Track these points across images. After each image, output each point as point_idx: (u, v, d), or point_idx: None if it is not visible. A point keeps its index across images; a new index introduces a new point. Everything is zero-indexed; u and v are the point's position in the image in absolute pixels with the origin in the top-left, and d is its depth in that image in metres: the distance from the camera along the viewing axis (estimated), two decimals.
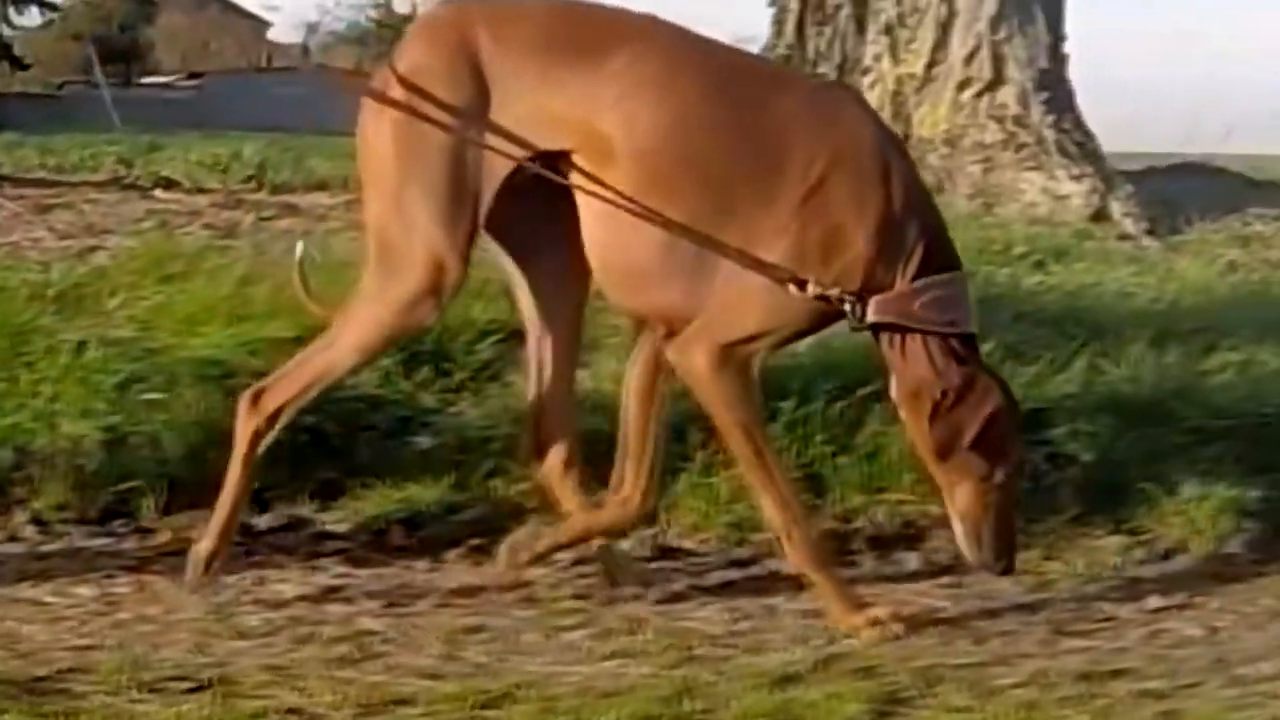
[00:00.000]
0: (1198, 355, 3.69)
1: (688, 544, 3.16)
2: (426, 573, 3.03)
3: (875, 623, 2.69)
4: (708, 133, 2.66)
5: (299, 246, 3.05)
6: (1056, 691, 2.44)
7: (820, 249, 2.62)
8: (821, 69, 5.67)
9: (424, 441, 3.42)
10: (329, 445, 3.35)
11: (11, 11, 25.26)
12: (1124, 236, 5.25)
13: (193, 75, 25.82)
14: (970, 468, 2.69)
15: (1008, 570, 2.78)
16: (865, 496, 3.20)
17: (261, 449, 2.81)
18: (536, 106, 2.67)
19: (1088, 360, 3.57)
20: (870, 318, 2.64)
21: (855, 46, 5.74)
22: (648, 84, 2.66)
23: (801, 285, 2.60)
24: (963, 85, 5.61)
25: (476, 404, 3.58)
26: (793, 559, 2.75)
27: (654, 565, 3.05)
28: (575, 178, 2.68)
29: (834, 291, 2.61)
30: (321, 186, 6.50)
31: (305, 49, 28.92)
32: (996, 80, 5.60)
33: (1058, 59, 5.80)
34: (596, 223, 2.70)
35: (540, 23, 2.78)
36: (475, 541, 3.13)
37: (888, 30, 5.72)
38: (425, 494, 3.25)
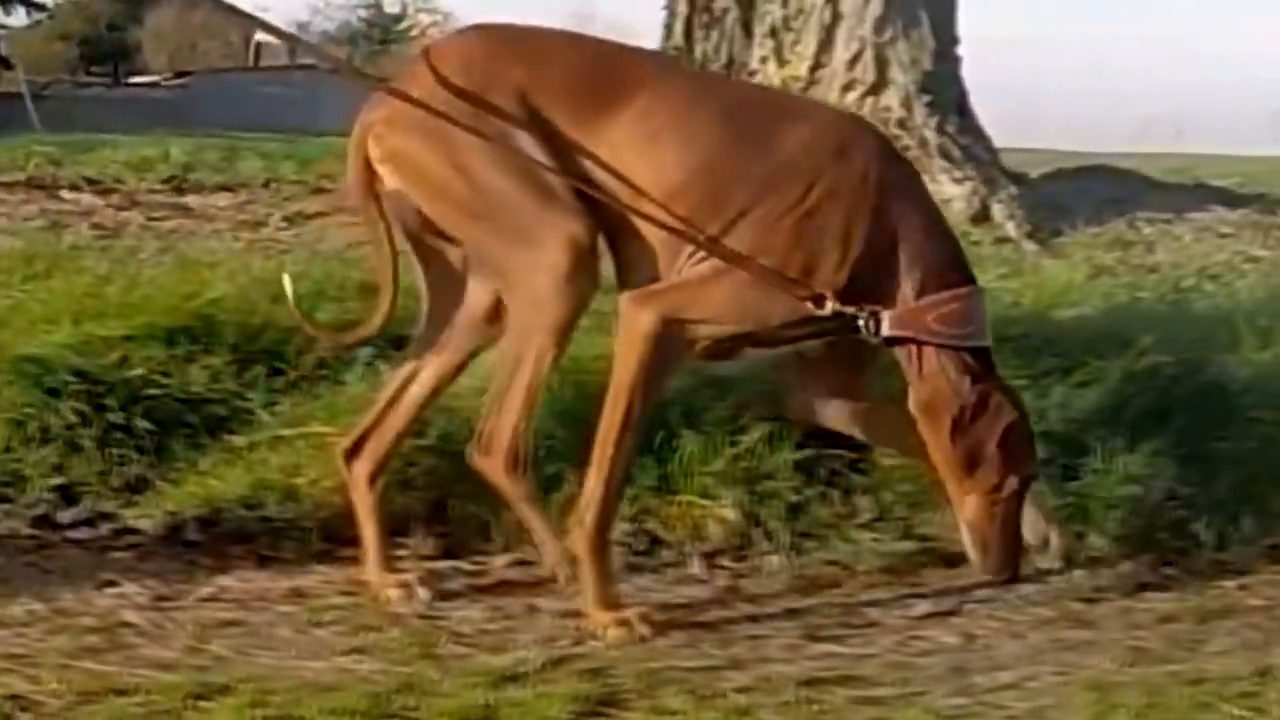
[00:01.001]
0: (1016, 361, 3.67)
1: (476, 542, 3.18)
2: (209, 568, 3.05)
3: (623, 623, 2.70)
4: (726, 164, 2.75)
5: (286, 281, 3.06)
6: (777, 696, 2.44)
7: (800, 270, 2.70)
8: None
9: (239, 440, 3.45)
10: (140, 442, 3.40)
11: None
12: (1003, 240, 5.24)
13: (179, 74, 26.04)
14: (982, 480, 2.76)
15: (1012, 578, 2.84)
16: (657, 498, 3.21)
17: (529, 481, 2.81)
18: (567, 146, 2.73)
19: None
20: (885, 332, 2.72)
21: (742, 49, 5.74)
22: (671, 124, 2.76)
23: (819, 302, 2.68)
24: (847, 88, 5.59)
25: (301, 403, 3.60)
26: (576, 538, 2.77)
27: (438, 564, 3.08)
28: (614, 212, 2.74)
29: (850, 309, 2.69)
30: (244, 185, 6.54)
31: (293, 48, 29.03)
32: (880, 83, 5.59)
33: (946, 61, 5.78)
34: (631, 255, 2.78)
35: (569, 61, 2.87)
36: (266, 539, 3.18)
37: (773, 33, 5.71)
38: (227, 490, 3.29)
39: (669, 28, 5.80)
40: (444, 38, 3.07)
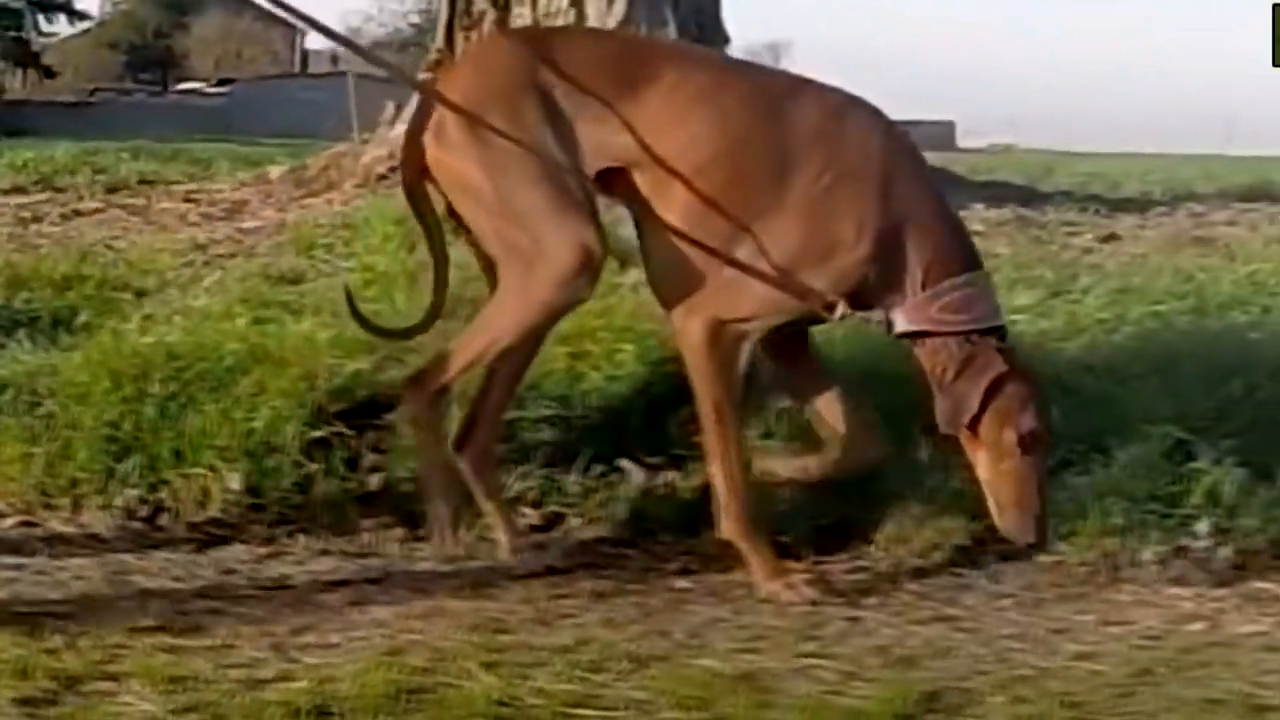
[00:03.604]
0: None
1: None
2: None
3: (790, 587, 2.97)
4: (746, 148, 2.99)
5: (344, 288, 3.40)
6: (105, 641, 2.64)
7: (820, 253, 2.94)
8: None
9: None
10: None
11: (41, 20, 26.59)
12: None
13: (222, 81, 26.81)
14: (982, 437, 2.89)
15: (1037, 543, 2.97)
16: (172, 469, 3.42)
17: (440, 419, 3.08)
18: (599, 129, 2.97)
19: None
20: (898, 329, 2.97)
21: None
22: (696, 106, 3.00)
23: (831, 308, 2.95)
24: None
25: None
26: (726, 528, 3.04)
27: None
28: (640, 192, 2.98)
29: (863, 312, 2.95)
30: (114, 189, 6.85)
31: (335, 55, 29.69)
32: None
33: None
34: (655, 234, 3.03)
35: (594, 50, 3.15)
36: None
37: None
38: None
39: (434, 30, 6.03)
40: (474, 43, 3.28)
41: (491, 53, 3.08)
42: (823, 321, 3.05)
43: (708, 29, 5.83)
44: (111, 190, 6.09)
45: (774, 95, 3.06)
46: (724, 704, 2.44)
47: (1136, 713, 2.50)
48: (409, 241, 4.74)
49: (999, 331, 2.98)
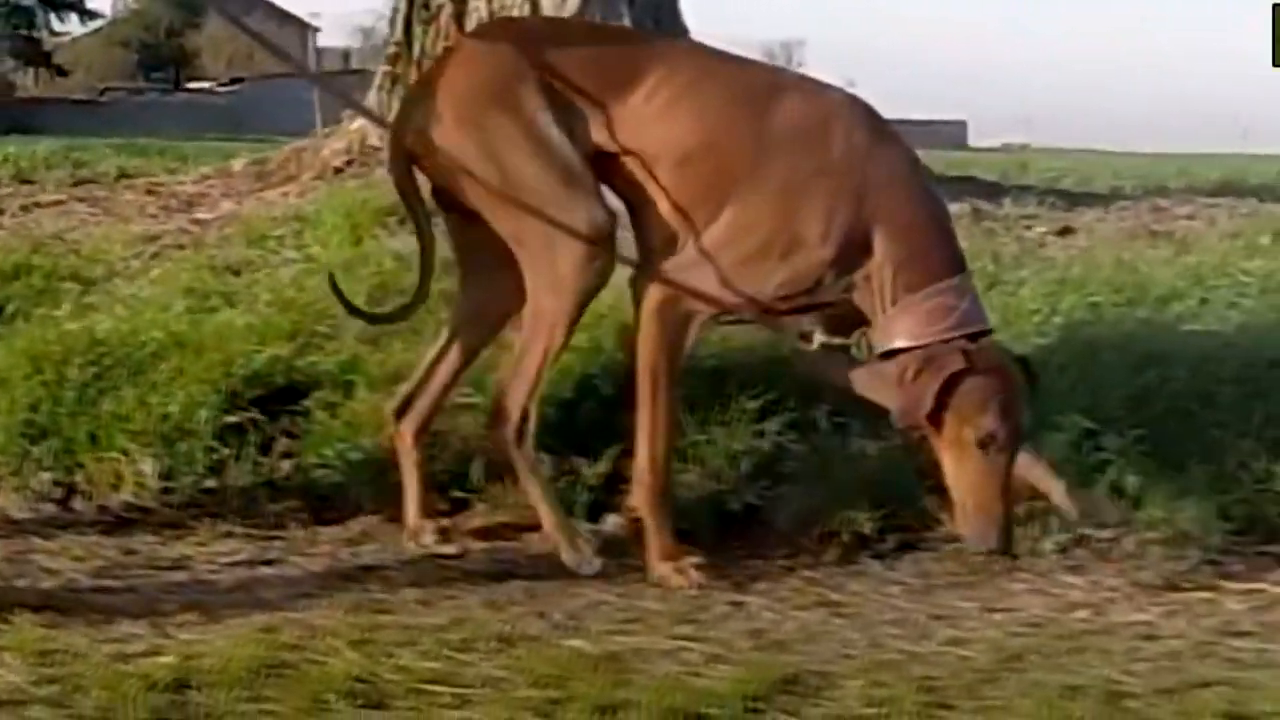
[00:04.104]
0: None
1: None
2: None
3: (680, 571, 3.00)
4: (729, 140, 3.02)
5: (330, 277, 3.39)
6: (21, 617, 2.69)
7: (785, 246, 2.96)
8: (428, 66, 5.85)
9: None
10: None
11: (53, 19, 26.84)
12: None
13: (233, 80, 27.01)
14: (944, 436, 2.83)
15: (999, 549, 2.87)
16: (88, 452, 3.49)
17: (531, 448, 3.06)
18: (591, 117, 3.02)
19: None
20: (879, 349, 2.95)
21: None
22: (684, 98, 3.04)
23: (807, 338, 2.99)
24: None
25: None
26: (637, 497, 3.08)
27: None
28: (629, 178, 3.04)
29: (837, 340, 2.97)
30: (80, 183, 6.89)
31: (346, 54, 29.72)
32: None
33: None
34: (642, 218, 3.07)
35: (587, 41, 3.23)
36: None
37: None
38: None
39: (392, 24, 6.08)
40: (468, 34, 3.34)
41: (486, 43, 3.13)
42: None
43: (665, 23, 5.84)
44: (78, 184, 6.15)
45: (763, 90, 3.08)
46: (580, 683, 2.46)
47: (993, 698, 2.51)
48: (355, 235, 4.82)
49: (983, 335, 2.93)
